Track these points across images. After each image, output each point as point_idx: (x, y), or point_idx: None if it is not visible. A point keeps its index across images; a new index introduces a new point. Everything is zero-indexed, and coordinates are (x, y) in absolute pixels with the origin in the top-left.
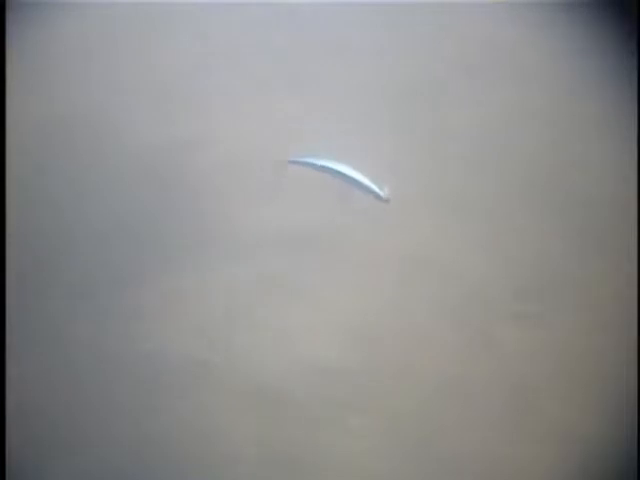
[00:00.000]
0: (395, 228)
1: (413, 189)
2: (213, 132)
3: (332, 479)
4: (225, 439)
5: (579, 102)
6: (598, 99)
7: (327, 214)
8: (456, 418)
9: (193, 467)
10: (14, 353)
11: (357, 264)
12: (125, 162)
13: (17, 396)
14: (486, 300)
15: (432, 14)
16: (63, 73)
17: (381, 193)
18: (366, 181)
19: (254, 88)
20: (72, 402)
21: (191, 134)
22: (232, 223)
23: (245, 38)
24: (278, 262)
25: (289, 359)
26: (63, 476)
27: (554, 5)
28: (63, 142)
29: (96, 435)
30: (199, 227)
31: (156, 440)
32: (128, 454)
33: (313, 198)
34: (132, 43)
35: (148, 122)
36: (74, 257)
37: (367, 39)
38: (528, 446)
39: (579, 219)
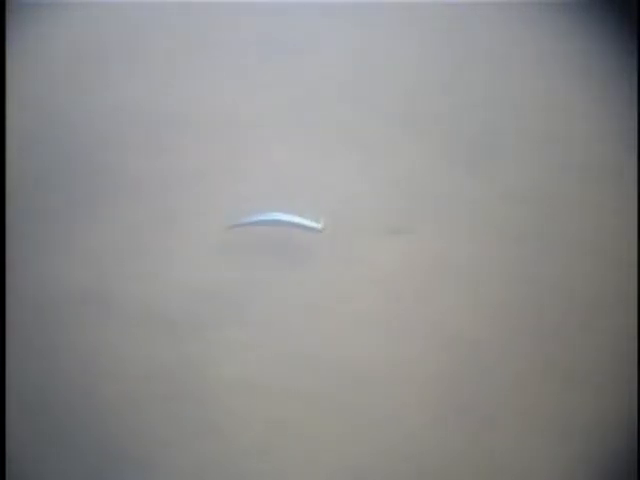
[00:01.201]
0: (279, 153)
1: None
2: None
3: (222, 388)
4: (115, 359)
5: (579, 102)
6: (598, 99)
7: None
8: (328, 324)
9: (88, 389)
10: None
11: (233, 192)
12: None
13: None
14: (359, 216)
15: (430, 14)
16: (63, 73)
17: (316, 225)
18: (301, 220)
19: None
20: None
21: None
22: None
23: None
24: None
25: (172, 284)
26: None
27: (554, 5)
28: (62, 140)
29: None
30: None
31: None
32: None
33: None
34: (132, 43)
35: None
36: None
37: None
38: (400, 343)
39: (446, 139)
